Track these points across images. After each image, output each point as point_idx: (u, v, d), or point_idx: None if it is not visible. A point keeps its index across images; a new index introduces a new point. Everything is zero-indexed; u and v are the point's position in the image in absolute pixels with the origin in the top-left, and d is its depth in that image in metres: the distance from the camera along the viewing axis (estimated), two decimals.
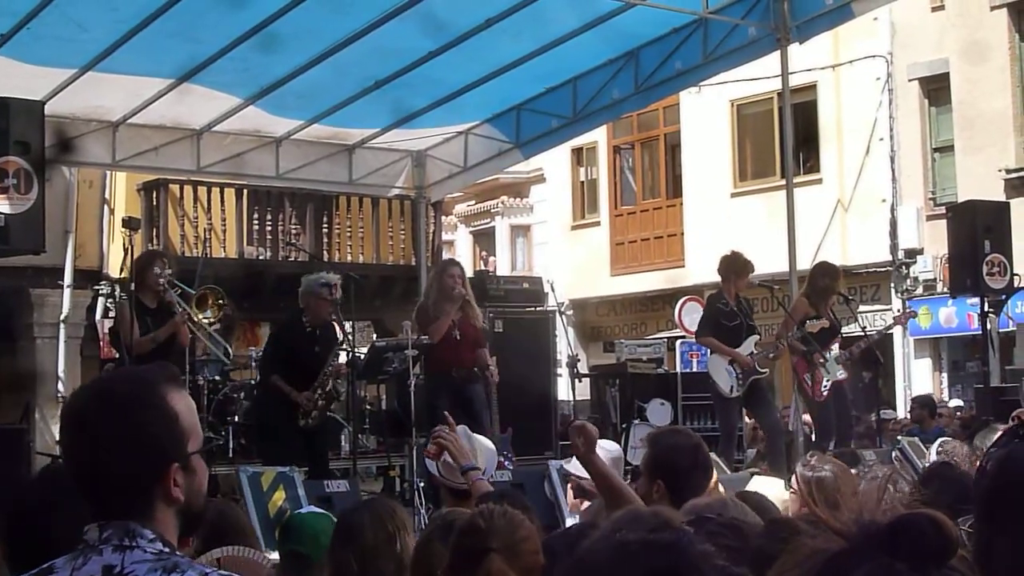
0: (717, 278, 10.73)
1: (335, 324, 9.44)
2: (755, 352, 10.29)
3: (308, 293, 9.49)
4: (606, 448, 5.47)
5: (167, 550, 2.03)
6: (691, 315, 15.97)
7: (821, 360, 10.13)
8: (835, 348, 10.31)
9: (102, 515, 2.05)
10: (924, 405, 13.90)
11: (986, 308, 11.31)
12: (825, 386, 10.17)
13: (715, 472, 4.95)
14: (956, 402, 16.18)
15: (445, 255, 21.85)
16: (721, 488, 4.91)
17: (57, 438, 8.64)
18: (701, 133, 21.40)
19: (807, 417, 10.79)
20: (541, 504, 7.39)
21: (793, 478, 4.67)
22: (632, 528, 1.53)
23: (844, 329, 10.78)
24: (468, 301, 9.72)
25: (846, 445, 9.74)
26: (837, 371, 10.20)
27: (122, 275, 12.11)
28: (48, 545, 2.24)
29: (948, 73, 18.24)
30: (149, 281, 9.10)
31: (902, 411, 16.57)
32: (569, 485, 6.08)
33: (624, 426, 12.60)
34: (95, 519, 2.05)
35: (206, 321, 9.69)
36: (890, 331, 12.64)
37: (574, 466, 5.40)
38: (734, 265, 10.42)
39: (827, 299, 10.42)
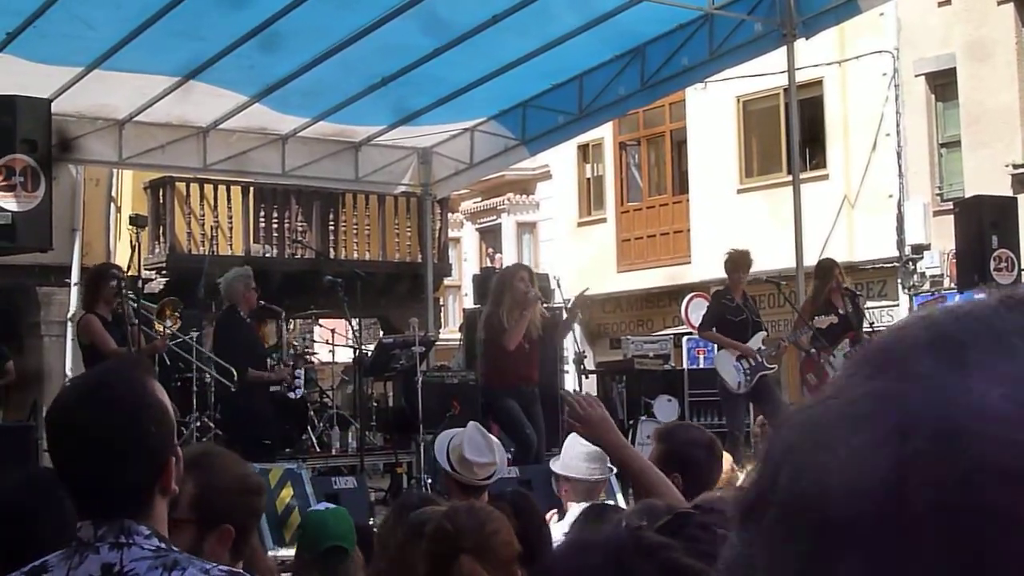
0: (723, 274, 10.73)
1: (266, 305, 10.00)
2: (762, 349, 10.27)
3: (234, 291, 9.87)
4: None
5: (164, 545, 2.00)
6: (697, 311, 15.89)
7: (827, 358, 10.09)
8: (845, 343, 10.26)
9: (95, 513, 2.00)
10: None
11: None
12: None
13: (735, 467, 4.93)
14: None
15: (451, 252, 21.87)
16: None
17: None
18: (707, 129, 21.35)
19: None
20: (548, 501, 7.37)
21: None
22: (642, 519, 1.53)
23: None
24: (539, 307, 9.67)
25: None
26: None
27: (129, 273, 12.08)
28: (33, 547, 2.18)
29: (954, 68, 18.18)
30: (105, 295, 9.04)
31: None
32: (562, 487, 5.71)
33: (631, 422, 12.60)
34: (86, 516, 2.00)
35: (167, 329, 10.30)
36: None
37: (559, 465, 5.27)
38: (731, 261, 10.45)
39: (830, 294, 10.38)
